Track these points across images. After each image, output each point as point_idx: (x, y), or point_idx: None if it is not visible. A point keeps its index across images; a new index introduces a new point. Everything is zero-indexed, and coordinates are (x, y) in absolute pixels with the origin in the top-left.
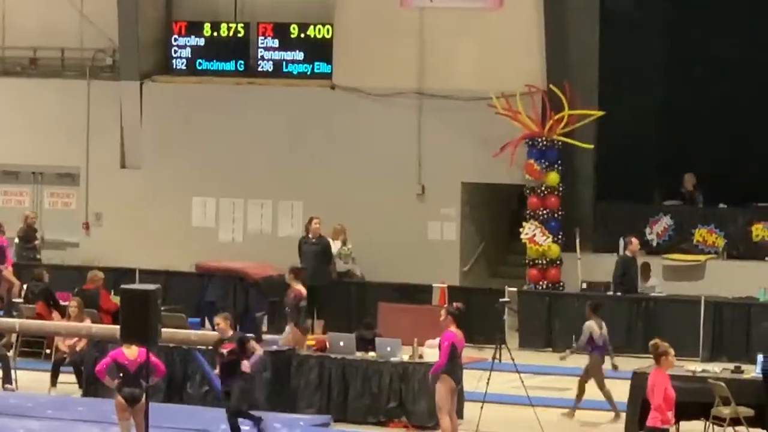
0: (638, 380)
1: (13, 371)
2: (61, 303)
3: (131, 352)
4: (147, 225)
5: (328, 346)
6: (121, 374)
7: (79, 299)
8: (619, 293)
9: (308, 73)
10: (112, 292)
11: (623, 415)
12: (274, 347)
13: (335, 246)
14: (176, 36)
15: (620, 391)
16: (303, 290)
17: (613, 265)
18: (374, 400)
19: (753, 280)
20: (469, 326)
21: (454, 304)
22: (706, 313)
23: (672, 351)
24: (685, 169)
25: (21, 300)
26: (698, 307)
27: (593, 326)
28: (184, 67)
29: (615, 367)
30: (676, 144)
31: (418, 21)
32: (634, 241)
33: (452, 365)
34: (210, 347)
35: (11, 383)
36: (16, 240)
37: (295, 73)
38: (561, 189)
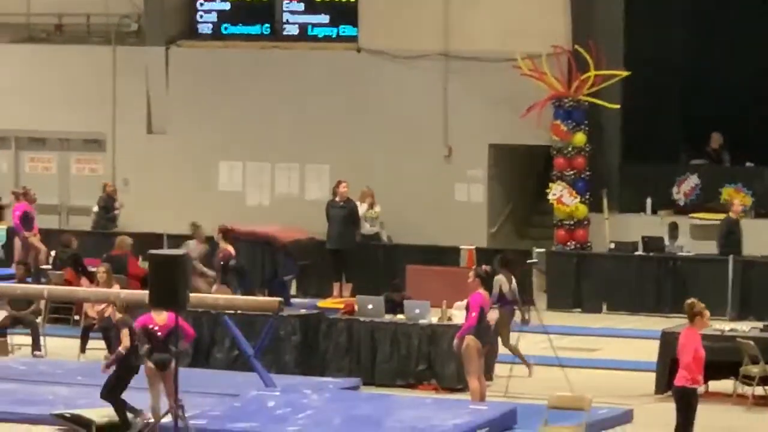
0: (667, 339)
1: (42, 338)
2: (90, 269)
3: (161, 318)
4: (174, 190)
5: (356, 309)
6: (151, 340)
7: (107, 265)
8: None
9: (334, 36)
10: (140, 258)
11: (536, 368)
12: (302, 310)
13: (362, 209)
14: (201, 0)
15: (649, 350)
16: (231, 249)
17: (640, 225)
18: (403, 363)
19: None
20: None
21: (483, 266)
22: (734, 271)
23: (707, 312)
24: (711, 128)
25: (49, 266)
26: (726, 266)
27: (503, 280)
28: (210, 32)
29: (526, 321)
30: (703, 103)
31: None
32: (736, 202)
33: (479, 327)
34: (239, 311)
35: (40, 350)
36: (95, 209)
37: (320, 36)
38: (588, 149)
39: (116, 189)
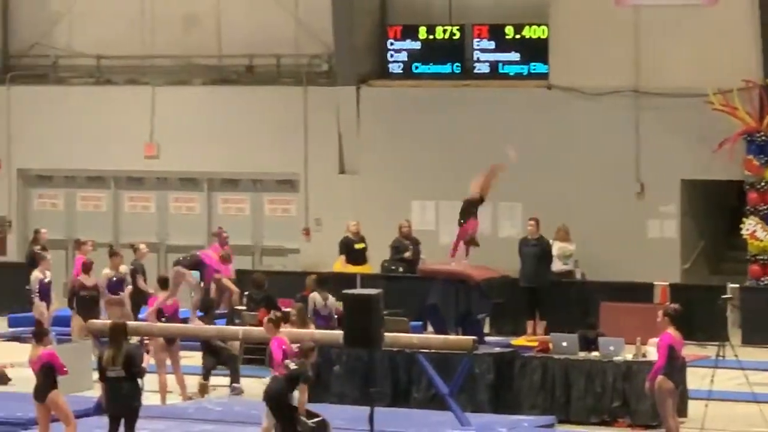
0: None
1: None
2: (283, 309)
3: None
4: (367, 230)
5: (551, 347)
6: None
7: (300, 305)
8: None
9: (525, 73)
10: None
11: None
12: (496, 349)
13: (556, 247)
14: (392, 40)
15: None
16: None
17: None
18: (597, 400)
19: None
20: (691, 324)
21: (671, 305)
22: None
23: None
24: None
25: (243, 308)
26: None
27: (316, 297)
28: (401, 71)
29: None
30: None
31: (632, 18)
32: None
33: (671, 367)
34: (432, 350)
35: (239, 382)
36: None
37: (511, 74)
38: None
39: (410, 230)
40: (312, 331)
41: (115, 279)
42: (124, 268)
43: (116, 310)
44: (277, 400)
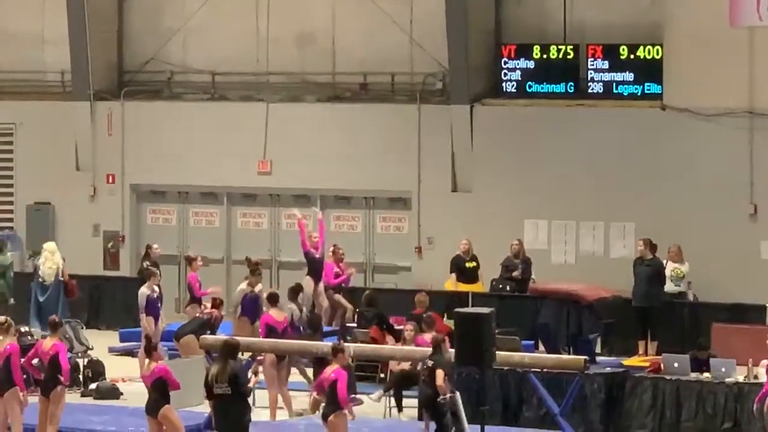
0: None
1: None
2: (396, 327)
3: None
4: (480, 248)
5: (662, 367)
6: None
7: (415, 323)
8: None
9: (638, 94)
10: (445, 316)
11: None
12: (608, 369)
13: (668, 267)
14: (506, 59)
15: None
16: None
17: None
18: (708, 421)
19: None
20: None
21: None
22: None
23: None
24: None
25: (354, 324)
26: None
27: (294, 309)
28: (514, 90)
29: None
30: None
31: (747, 39)
32: None
33: None
34: (545, 370)
35: (356, 393)
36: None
37: (625, 94)
38: None
39: (521, 249)
40: (425, 349)
41: (249, 296)
42: (259, 287)
43: (246, 327)
44: (430, 400)
